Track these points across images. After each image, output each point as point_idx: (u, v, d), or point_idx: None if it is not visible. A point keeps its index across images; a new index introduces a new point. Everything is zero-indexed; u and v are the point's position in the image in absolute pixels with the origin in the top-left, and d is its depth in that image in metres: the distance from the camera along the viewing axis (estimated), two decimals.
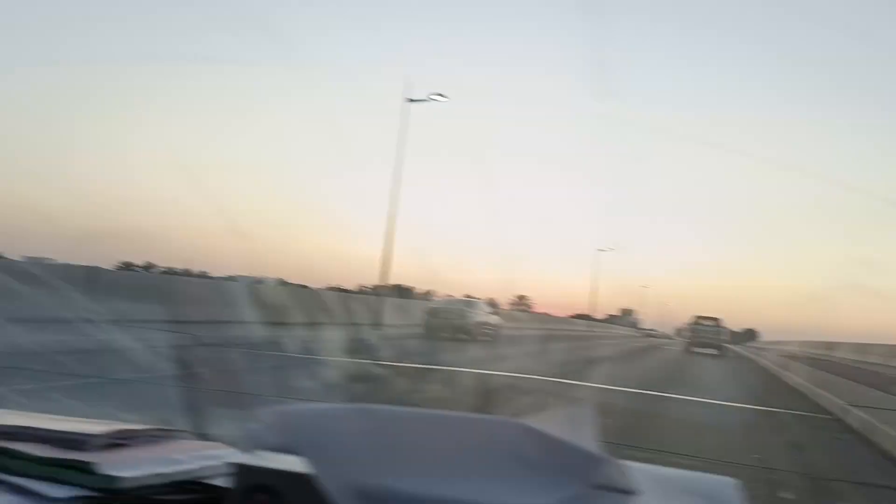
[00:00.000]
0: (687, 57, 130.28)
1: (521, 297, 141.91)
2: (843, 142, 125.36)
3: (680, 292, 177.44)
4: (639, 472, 0.77)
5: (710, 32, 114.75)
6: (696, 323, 29.52)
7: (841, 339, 35.20)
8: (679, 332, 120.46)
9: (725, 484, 0.81)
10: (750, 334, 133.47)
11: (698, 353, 25.90)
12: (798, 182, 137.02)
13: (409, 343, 13.87)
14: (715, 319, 29.98)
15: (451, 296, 20.51)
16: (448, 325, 16.72)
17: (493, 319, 19.16)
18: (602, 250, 51.95)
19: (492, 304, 20.45)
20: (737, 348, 45.64)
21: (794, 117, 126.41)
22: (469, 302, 18.82)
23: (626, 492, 0.71)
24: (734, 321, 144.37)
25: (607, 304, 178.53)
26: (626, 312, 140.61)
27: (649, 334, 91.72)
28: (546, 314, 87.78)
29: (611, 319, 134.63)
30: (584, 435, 0.72)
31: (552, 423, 0.72)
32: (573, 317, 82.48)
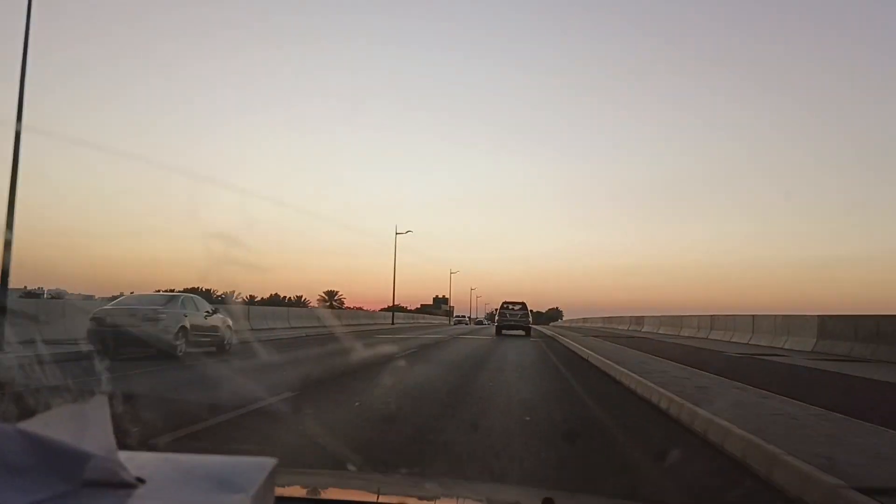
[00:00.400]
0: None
1: (330, 294, 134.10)
2: (632, 135, 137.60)
3: (490, 277, 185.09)
4: (156, 461, 0.83)
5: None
6: (504, 307, 32.72)
7: (631, 313, 45.79)
8: (489, 316, 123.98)
9: (257, 466, 0.83)
10: (556, 313, 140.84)
11: (507, 335, 29.93)
12: (597, 169, 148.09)
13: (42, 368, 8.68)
14: (521, 304, 32.80)
15: (138, 294, 14.69)
16: (124, 335, 11.66)
17: (216, 322, 14.19)
18: (401, 233, 51.38)
19: (226, 300, 15.36)
20: (539, 327, 52.45)
21: (586, 119, 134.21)
22: (165, 299, 13.55)
23: (125, 485, 0.73)
24: (542, 303, 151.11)
25: (423, 294, 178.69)
26: (441, 300, 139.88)
27: (459, 321, 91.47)
28: (359, 308, 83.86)
29: (424, 309, 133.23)
30: (89, 431, 0.74)
31: (51, 423, 0.72)
32: (385, 309, 78.10)
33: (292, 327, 27.56)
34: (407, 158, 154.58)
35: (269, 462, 0.84)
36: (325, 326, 30.21)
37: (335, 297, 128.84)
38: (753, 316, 22.82)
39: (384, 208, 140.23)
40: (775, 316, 21.16)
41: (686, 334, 28.79)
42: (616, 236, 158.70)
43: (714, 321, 26.36)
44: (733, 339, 22.86)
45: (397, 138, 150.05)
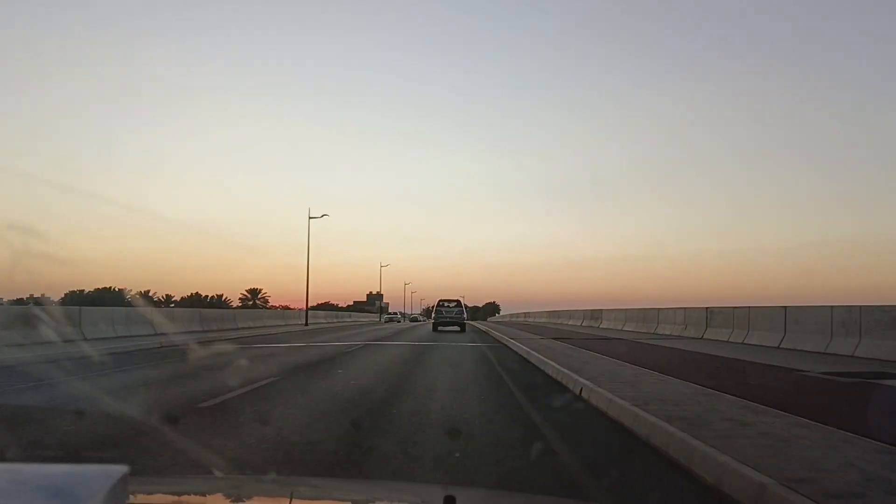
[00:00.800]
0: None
1: (253, 292, 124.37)
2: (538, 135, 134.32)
3: (429, 273, 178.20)
4: None
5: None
6: (440, 305, 34.89)
7: (568, 307, 46.33)
8: (425, 312, 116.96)
9: (104, 474, 0.80)
10: (493, 308, 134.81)
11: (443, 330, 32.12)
12: (533, 165, 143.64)
13: None
14: (457, 301, 35.08)
15: None
16: None
17: None
18: (315, 217, 44.14)
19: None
20: (475, 322, 53.56)
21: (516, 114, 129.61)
22: None
23: None
24: (480, 298, 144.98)
25: (359, 292, 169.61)
26: (375, 297, 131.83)
27: (391, 318, 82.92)
28: (285, 307, 74.89)
29: (356, 306, 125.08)
30: None
31: None
32: (315, 307, 70.75)
33: (127, 336, 19.33)
34: (337, 155, 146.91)
35: (118, 470, 0.81)
36: (190, 333, 22.11)
37: (259, 296, 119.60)
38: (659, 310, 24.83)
39: (319, 206, 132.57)
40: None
41: (604, 326, 31.32)
42: (551, 231, 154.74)
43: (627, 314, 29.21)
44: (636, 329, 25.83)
45: (329, 135, 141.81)
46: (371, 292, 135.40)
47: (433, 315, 35.79)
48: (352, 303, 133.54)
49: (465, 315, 34.74)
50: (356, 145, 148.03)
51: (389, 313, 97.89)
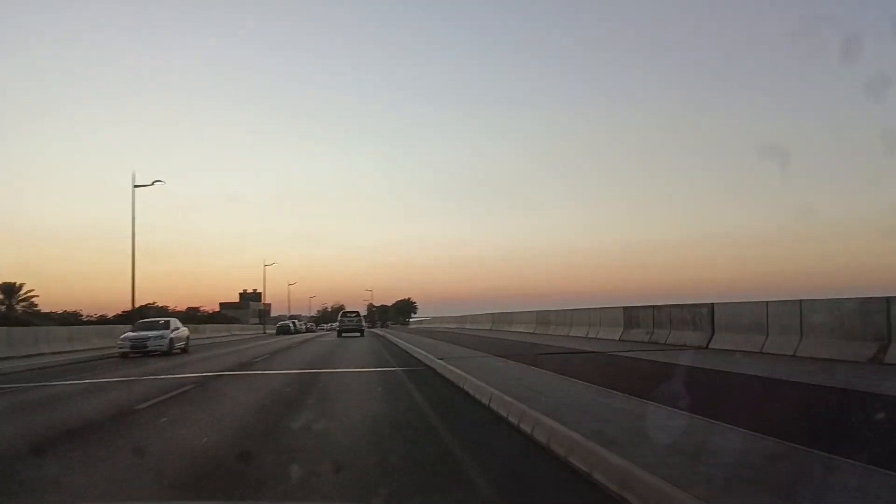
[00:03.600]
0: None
1: (7, 289, 62.66)
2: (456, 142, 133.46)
3: (331, 275, 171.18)
4: None
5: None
6: (343, 315, 46.35)
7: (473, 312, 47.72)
8: (322, 315, 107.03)
9: None
10: (406, 306, 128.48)
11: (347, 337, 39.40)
12: (427, 165, 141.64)
13: None
14: (356, 312, 47.63)
15: None
16: None
17: None
18: (142, 185, 30.70)
19: None
20: (374, 329, 61.77)
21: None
22: None
23: None
24: (390, 297, 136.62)
25: (229, 290, 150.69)
26: (250, 297, 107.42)
27: (283, 330, 63.87)
28: (101, 317, 49.65)
29: (227, 307, 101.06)
30: None
31: None
32: (174, 313, 46.77)
33: None
34: (239, 157, 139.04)
35: None
36: None
37: (15, 295, 60.06)
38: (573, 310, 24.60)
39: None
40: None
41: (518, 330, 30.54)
42: (453, 230, 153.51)
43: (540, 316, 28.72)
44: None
45: (231, 137, 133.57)
46: (245, 290, 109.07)
47: (338, 324, 46.41)
48: (216, 308, 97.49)
49: (363, 324, 46.92)
50: (253, 148, 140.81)
51: (282, 322, 72.51)
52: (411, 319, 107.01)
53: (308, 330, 77.92)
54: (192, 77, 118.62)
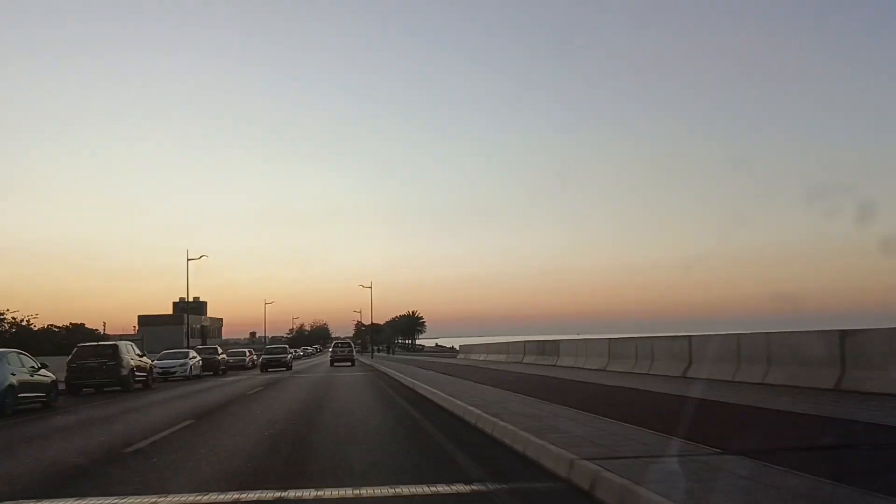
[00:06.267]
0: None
1: None
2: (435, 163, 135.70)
3: (325, 297, 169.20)
4: None
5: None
6: (335, 346, 48.72)
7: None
8: (292, 344, 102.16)
9: None
10: (410, 322, 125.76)
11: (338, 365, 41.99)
12: (409, 188, 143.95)
13: None
14: (347, 342, 50.95)
15: None
16: None
17: None
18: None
19: None
20: (363, 358, 60.35)
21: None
22: None
23: None
24: (387, 314, 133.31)
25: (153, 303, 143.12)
26: (185, 306, 59.07)
27: (271, 360, 37.44)
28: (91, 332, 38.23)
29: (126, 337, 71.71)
30: None
31: None
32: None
33: None
34: (216, 180, 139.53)
35: None
36: None
37: None
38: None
39: (211, 231, 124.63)
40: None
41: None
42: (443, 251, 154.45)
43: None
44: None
45: (215, 156, 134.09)
46: (182, 299, 68.61)
47: (330, 353, 47.53)
48: (133, 327, 76.75)
49: (353, 353, 47.41)
50: (235, 171, 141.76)
51: (275, 352, 41.94)
52: (417, 341, 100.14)
53: (294, 358, 55.87)
54: (176, 97, 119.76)
